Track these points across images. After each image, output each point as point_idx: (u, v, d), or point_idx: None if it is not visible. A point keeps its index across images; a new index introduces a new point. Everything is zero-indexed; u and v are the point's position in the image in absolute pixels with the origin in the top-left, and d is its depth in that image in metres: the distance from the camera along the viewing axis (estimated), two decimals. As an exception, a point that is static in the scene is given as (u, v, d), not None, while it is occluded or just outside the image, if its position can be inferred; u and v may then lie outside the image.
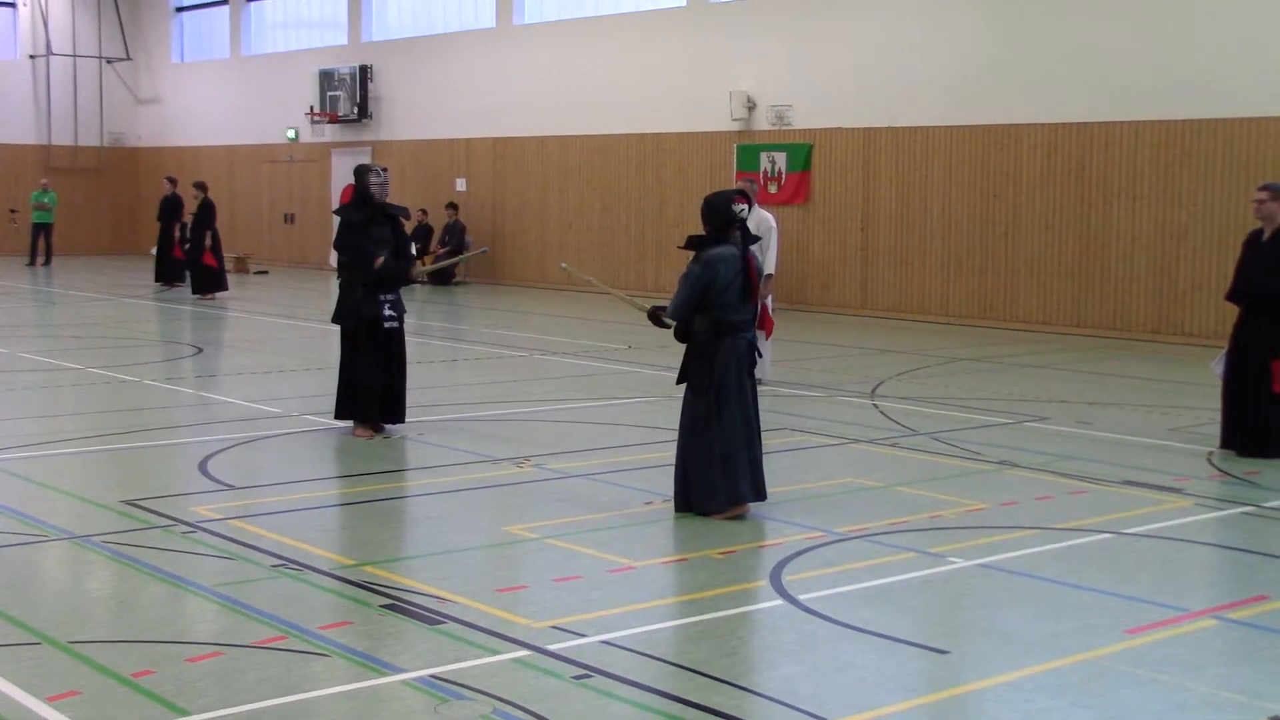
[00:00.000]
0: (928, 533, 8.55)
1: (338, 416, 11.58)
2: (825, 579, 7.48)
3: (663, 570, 7.77)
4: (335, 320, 11.67)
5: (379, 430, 11.49)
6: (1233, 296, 11.37)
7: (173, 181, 26.65)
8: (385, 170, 11.60)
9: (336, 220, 12.18)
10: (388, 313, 11.40)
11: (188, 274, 24.96)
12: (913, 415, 12.87)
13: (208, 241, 24.15)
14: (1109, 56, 19.43)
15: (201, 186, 24.84)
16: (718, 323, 8.83)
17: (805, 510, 9.09)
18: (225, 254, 25.38)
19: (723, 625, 6.71)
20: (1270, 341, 10.87)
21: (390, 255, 11.37)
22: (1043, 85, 20.09)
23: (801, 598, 7.10)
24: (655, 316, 9.27)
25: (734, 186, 14.90)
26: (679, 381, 9.17)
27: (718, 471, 8.79)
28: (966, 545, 8.21)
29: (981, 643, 6.51)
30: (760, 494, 8.96)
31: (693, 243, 9.09)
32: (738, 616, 6.87)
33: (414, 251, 12.12)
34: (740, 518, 8.82)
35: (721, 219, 8.96)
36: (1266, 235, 11.13)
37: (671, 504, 9.05)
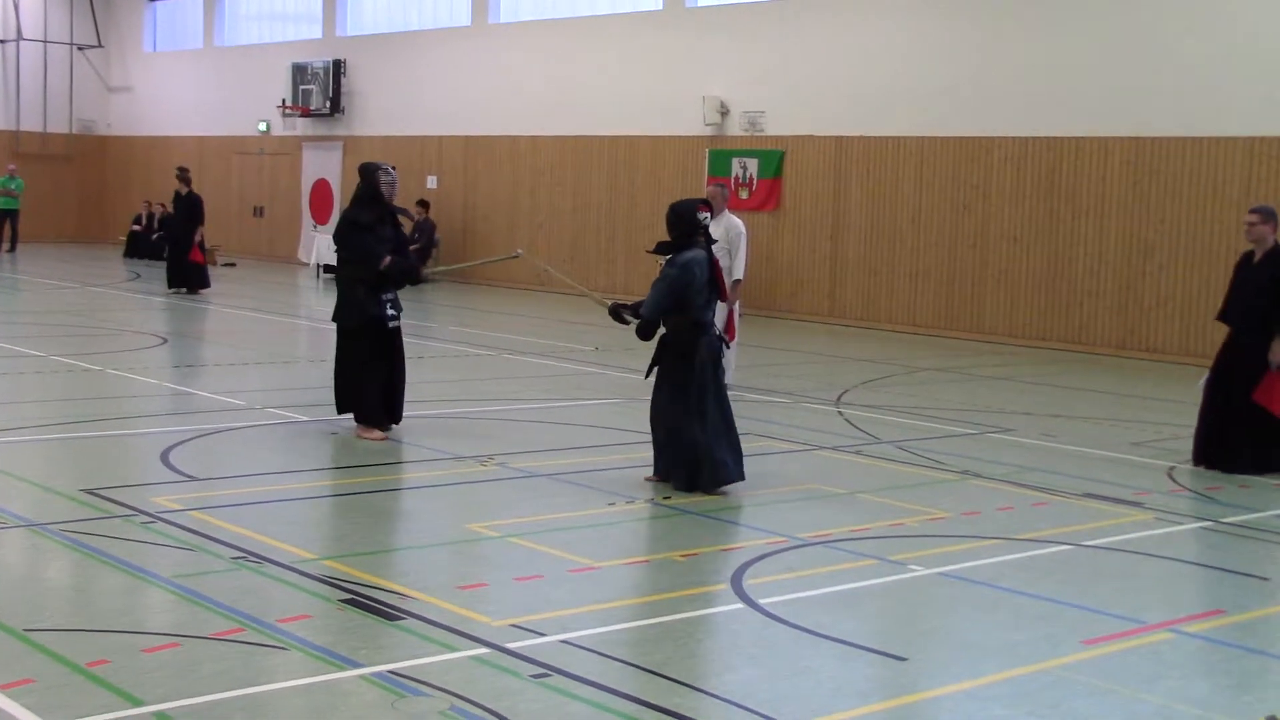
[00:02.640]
0: (889, 540, 8.57)
1: (340, 411, 11.41)
2: (786, 584, 7.49)
3: (625, 571, 7.76)
4: (337, 319, 11.46)
5: (386, 430, 11.33)
6: (1223, 317, 11.47)
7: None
8: (394, 169, 11.55)
9: (336, 216, 12.08)
10: (390, 312, 11.29)
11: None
12: (877, 423, 12.90)
13: (199, 237, 23.57)
14: (1081, 72, 19.53)
15: (184, 178, 24.06)
16: (695, 323, 9.54)
17: (768, 515, 9.10)
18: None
19: (683, 627, 6.71)
20: (1255, 361, 10.95)
21: (394, 255, 11.27)
22: (1015, 98, 20.19)
23: (762, 602, 7.10)
24: (617, 313, 9.93)
25: (704, 191, 14.92)
26: (647, 375, 9.91)
27: (691, 463, 9.52)
28: (927, 553, 8.23)
29: (940, 650, 6.53)
30: (740, 474, 9.67)
31: (662, 247, 9.77)
32: (698, 619, 6.87)
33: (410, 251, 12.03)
34: (725, 493, 9.57)
35: (688, 225, 9.65)
36: (1258, 257, 11.22)
37: (635, 503, 9.06)
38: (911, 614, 7.12)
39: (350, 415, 11.38)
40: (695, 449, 9.50)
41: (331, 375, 11.55)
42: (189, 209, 23.86)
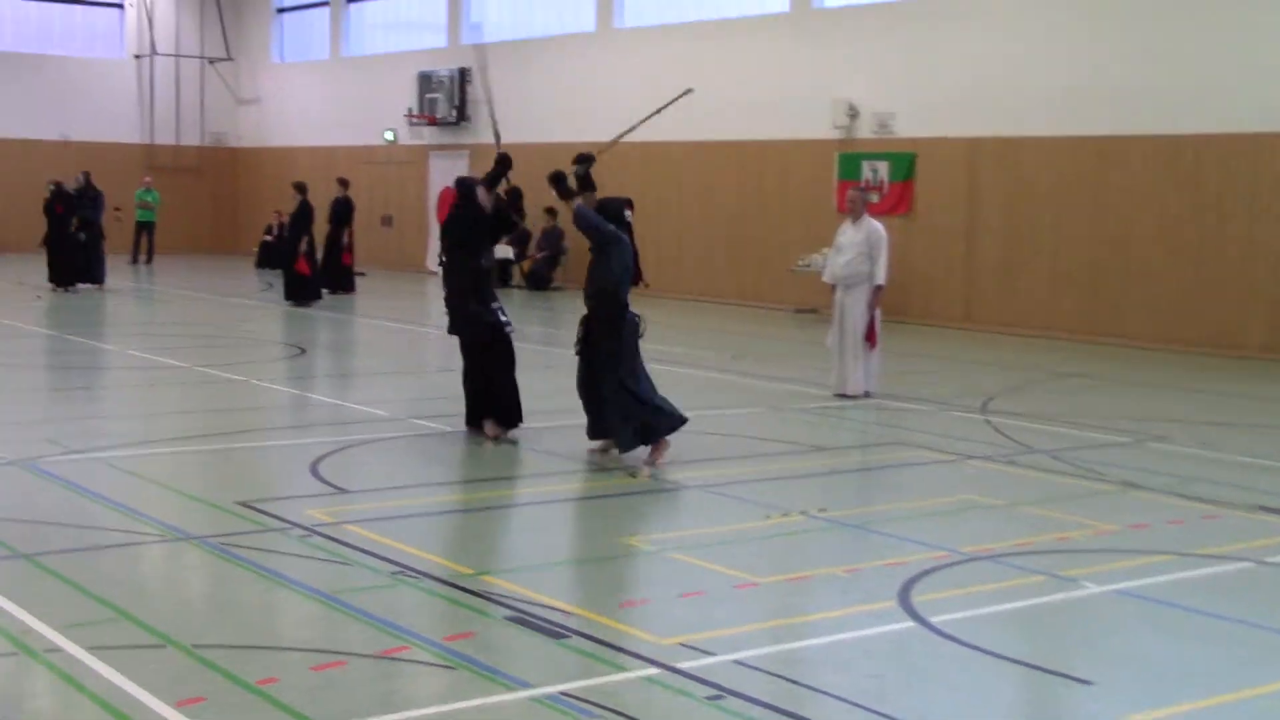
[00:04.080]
0: (1057, 555, 8.29)
1: (470, 424, 11.51)
2: (955, 601, 7.26)
3: (788, 587, 7.58)
4: (457, 331, 11.57)
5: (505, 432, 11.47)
6: None
7: (343, 183, 25.50)
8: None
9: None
10: (504, 319, 11.43)
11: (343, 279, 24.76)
12: (1027, 432, 12.57)
13: (303, 247, 23.46)
14: (1230, 66, 18.96)
15: (300, 188, 24.32)
16: (623, 304, 10.76)
17: (927, 528, 8.86)
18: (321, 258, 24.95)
19: (853, 646, 6.51)
20: None
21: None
22: (1158, 95, 19.65)
23: (933, 620, 6.88)
24: (560, 181, 11.13)
25: (860, 191, 14.86)
26: (577, 349, 11.03)
27: (653, 414, 10.62)
28: (1099, 569, 7.94)
29: (1126, 674, 6.25)
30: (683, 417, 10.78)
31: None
32: (868, 638, 6.66)
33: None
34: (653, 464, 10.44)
35: (614, 221, 10.89)
36: None
37: (790, 515, 8.89)
38: (1090, 634, 6.84)
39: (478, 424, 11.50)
40: (642, 406, 10.52)
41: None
42: (294, 221, 24.01)
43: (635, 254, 10.97)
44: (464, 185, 11.91)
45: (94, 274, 25.08)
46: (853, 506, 9.68)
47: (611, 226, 10.80)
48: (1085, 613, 7.20)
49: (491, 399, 11.48)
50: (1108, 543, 8.64)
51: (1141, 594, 7.45)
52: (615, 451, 10.72)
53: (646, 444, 10.62)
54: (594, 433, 10.91)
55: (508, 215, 11.79)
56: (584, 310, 11.09)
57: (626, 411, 10.57)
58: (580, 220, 10.84)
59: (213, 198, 38.03)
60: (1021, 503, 9.70)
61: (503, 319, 11.48)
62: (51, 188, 25.92)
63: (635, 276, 10.98)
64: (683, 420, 10.75)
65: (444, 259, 11.71)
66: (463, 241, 11.59)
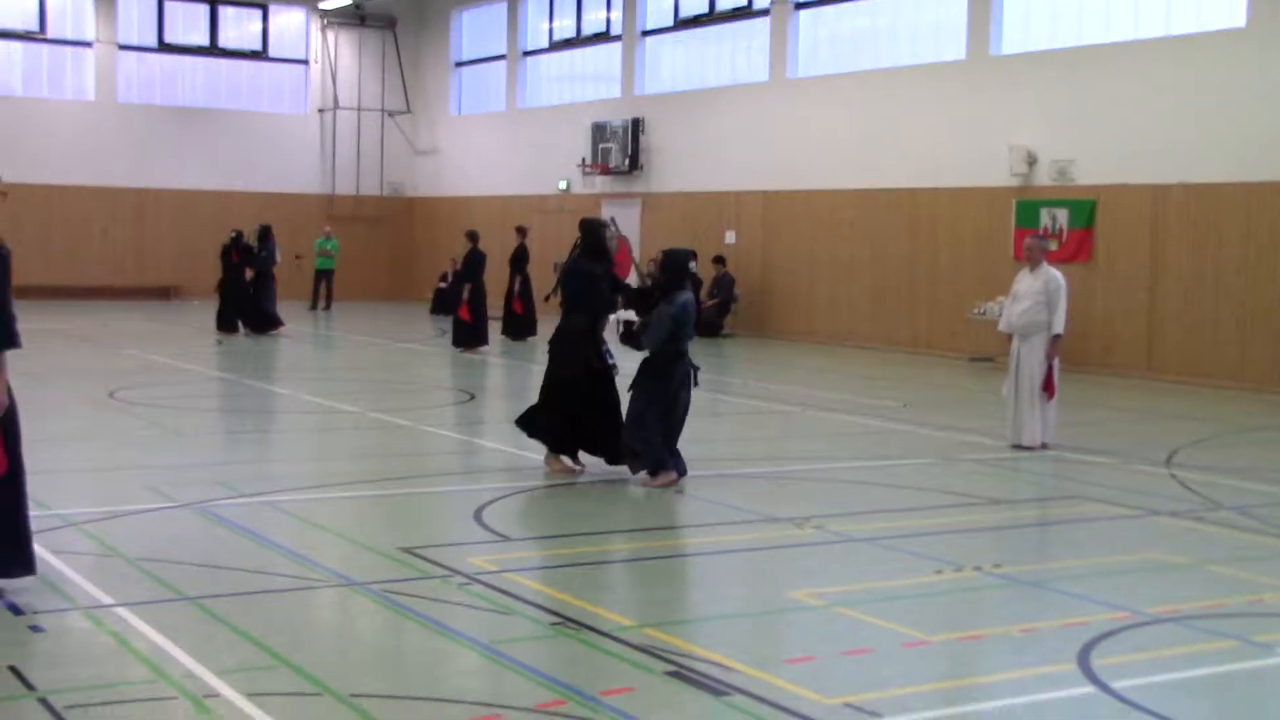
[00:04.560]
0: (1249, 619, 7.84)
1: (521, 424, 12.06)
2: (1139, 665, 6.88)
3: (959, 646, 7.26)
4: (560, 368, 11.76)
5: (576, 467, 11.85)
6: None
7: (521, 232, 25.68)
8: (615, 223, 12.28)
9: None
10: (611, 362, 11.82)
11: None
12: (1215, 487, 12.02)
13: (465, 294, 23.46)
14: None
15: (472, 236, 24.47)
16: (678, 351, 11.27)
17: (1107, 587, 8.46)
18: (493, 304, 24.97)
19: (1030, 712, 6.19)
20: None
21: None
22: (1353, 139, 18.86)
23: (1115, 685, 6.52)
24: (630, 339, 11.51)
25: (1037, 239, 14.49)
26: (630, 388, 11.40)
27: (659, 451, 11.19)
28: (1295, 635, 7.48)
29: (1328, 748, 5.84)
30: (681, 469, 11.36)
31: (649, 291, 11.61)
32: (1046, 703, 6.33)
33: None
34: (675, 485, 11.21)
35: (679, 271, 11.37)
36: None
37: (963, 571, 8.56)
38: (1287, 705, 6.43)
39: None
40: (644, 440, 11.18)
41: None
42: (466, 265, 24.12)
43: (698, 303, 11.70)
44: (593, 230, 11.98)
45: (258, 322, 25.62)
46: (1029, 563, 9.30)
47: (668, 317, 11.16)
48: (1280, 681, 6.77)
49: (597, 436, 11.70)
50: (1304, 606, 8.15)
51: (1342, 662, 6.99)
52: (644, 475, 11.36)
53: (638, 471, 11.36)
54: (632, 469, 11.48)
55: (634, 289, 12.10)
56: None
57: (635, 445, 11.28)
58: (657, 334, 11.26)
59: (390, 246, 38.76)
60: (1209, 562, 9.23)
61: (611, 362, 11.80)
62: (231, 235, 26.64)
63: (698, 326, 11.53)
64: (684, 472, 11.37)
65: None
66: (576, 298, 11.92)
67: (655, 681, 6.44)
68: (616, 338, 11.96)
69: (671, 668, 6.61)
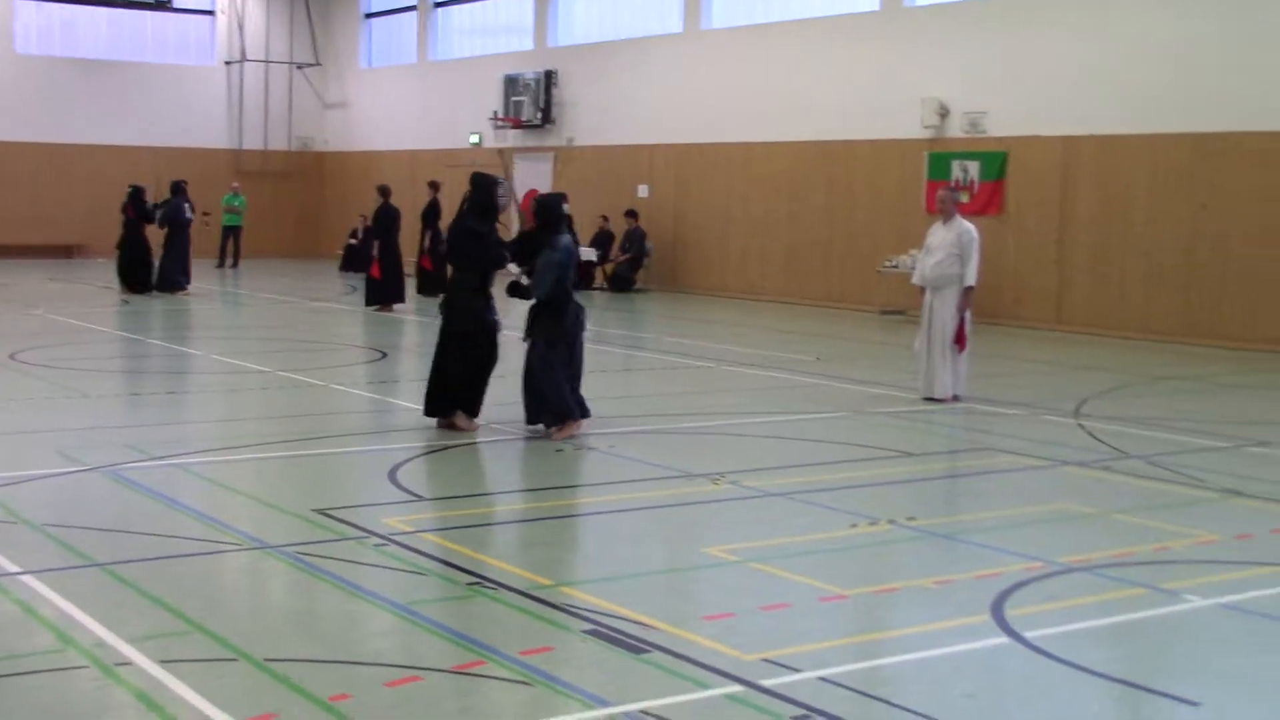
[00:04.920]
0: (1157, 566, 7.97)
1: (429, 414, 11.79)
2: (1051, 615, 6.97)
3: (875, 600, 7.32)
4: (456, 325, 11.70)
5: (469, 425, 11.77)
6: None
7: (434, 186, 25.42)
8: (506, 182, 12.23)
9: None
10: (497, 318, 11.84)
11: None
12: (1122, 437, 12.20)
13: (376, 251, 23.11)
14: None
15: (383, 191, 23.98)
16: (565, 293, 11.42)
17: (1020, 538, 8.56)
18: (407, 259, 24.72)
19: (947, 664, 6.25)
20: None
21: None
22: (1256, 92, 19.13)
23: (1028, 635, 6.60)
24: (518, 290, 11.61)
25: (950, 191, 14.52)
26: (525, 338, 11.57)
27: (567, 399, 11.39)
28: (1202, 582, 7.61)
29: (1236, 695, 5.94)
30: (586, 413, 11.60)
31: (527, 237, 11.95)
32: (962, 654, 6.39)
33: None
34: (574, 437, 11.33)
35: (554, 215, 11.53)
36: None
37: (878, 525, 8.63)
38: (1197, 652, 6.52)
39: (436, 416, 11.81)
40: (558, 392, 11.33)
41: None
42: (374, 224, 23.82)
43: (575, 242, 11.89)
44: (484, 186, 11.89)
45: (164, 282, 25.14)
46: (942, 515, 9.40)
47: (553, 263, 11.33)
48: (1189, 628, 6.88)
49: (467, 392, 11.69)
50: (1210, 553, 8.29)
51: (1249, 608, 7.12)
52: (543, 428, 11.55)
53: (550, 426, 11.48)
54: (528, 418, 11.63)
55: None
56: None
57: (547, 398, 11.41)
58: (545, 281, 11.38)
59: (299, 202, 38.30)
60: (1118, 511, 9.37)
61: (496, 318, 11.82)
62: (128, 190, 26.17)
63: (578, 267, 11.70)
64: (581, 416, 11.58)
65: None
66: (462, 256, 11.86)
67: (574, 640, 6.43)
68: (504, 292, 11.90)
69: (590, 626, 6.60)
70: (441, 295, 12.67)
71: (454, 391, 11.72)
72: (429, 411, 11.80)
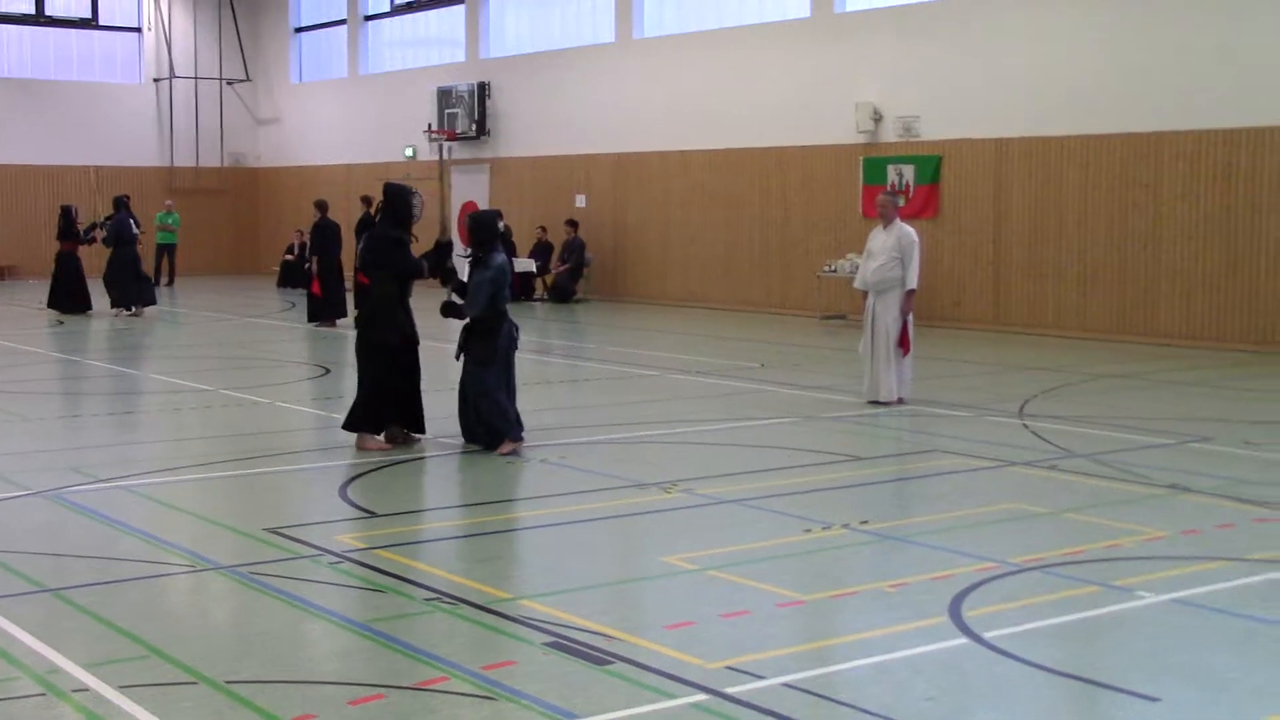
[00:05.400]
0: (1108, 563, 8.06)
1: (349, 427, 11.68)
2: (1008, 615, 7.03)
3: (833, 604, 7.36)
4: (374, 337, 11.66)
5: (396, 440, 11.67)
6: None
7: (366, 201, 25.08)
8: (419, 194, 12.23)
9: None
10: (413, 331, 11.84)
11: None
12: (1066, 435, 12.33)
13: (314, 267, 22.85)
14: (1255, 59, 18.70)
15: (320, 206, 23.76)
16: (498, 312, 11.36)
17: (972, 539, 8.63)
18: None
19: (908, 666, 6.29)
20: None
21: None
22: (1185, 90, 19.39)
23: (986, 635, 6.66)
24: (452, 310, 11.54)
25: (889, 195, 14.64)
26: (458, 356, 11.53)
27: (502, 420, 11.29)
28: (1154, 578, 7.70)
29: (1194, 690, 6.01)
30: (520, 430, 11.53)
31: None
32: (922, 656, 6.43)
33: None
34: (516, 453, 11.25)
35: (488, 233, 11.49)
36: None
37: (832, 529, 8.66)
38: (1153, 647, 6.59)
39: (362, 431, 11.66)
40: (500, 412, 11.27)
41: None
42: (314, 236, 23.46)
43: (511, 258, 11.84)
44: (399, 196, 11.85)
45: (120, 299, 24.72)
46: (894, 518, 9.46)
47: (486, 281, 11.26)
48: (1144, 624, 6.95)
49: (407, 405, 11.67)
50: (1160, 549, 8.39)
51: (1201, 603, 7.20)
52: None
53: (491, 449, 11.36)
54: (467, 436, 11.64)
55: (439, 267, 12.07)
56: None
57: (481, 416, 11.39)
58: (479, 300, 11.34)
59: (234, 218, 37.98)
60: (1067, 509, 9.47)
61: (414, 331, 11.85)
62: (60, 210, 25.90)
63: (514, 286, 11.63)
64: (520, 436, 11.49)
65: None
66: (382, 264, 11.77)
67: (536, 653, 6.42)
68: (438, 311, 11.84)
69: (551, 639, 6.59)
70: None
71: (389, 406, 11.61)
72: (353, 425, 11.64)
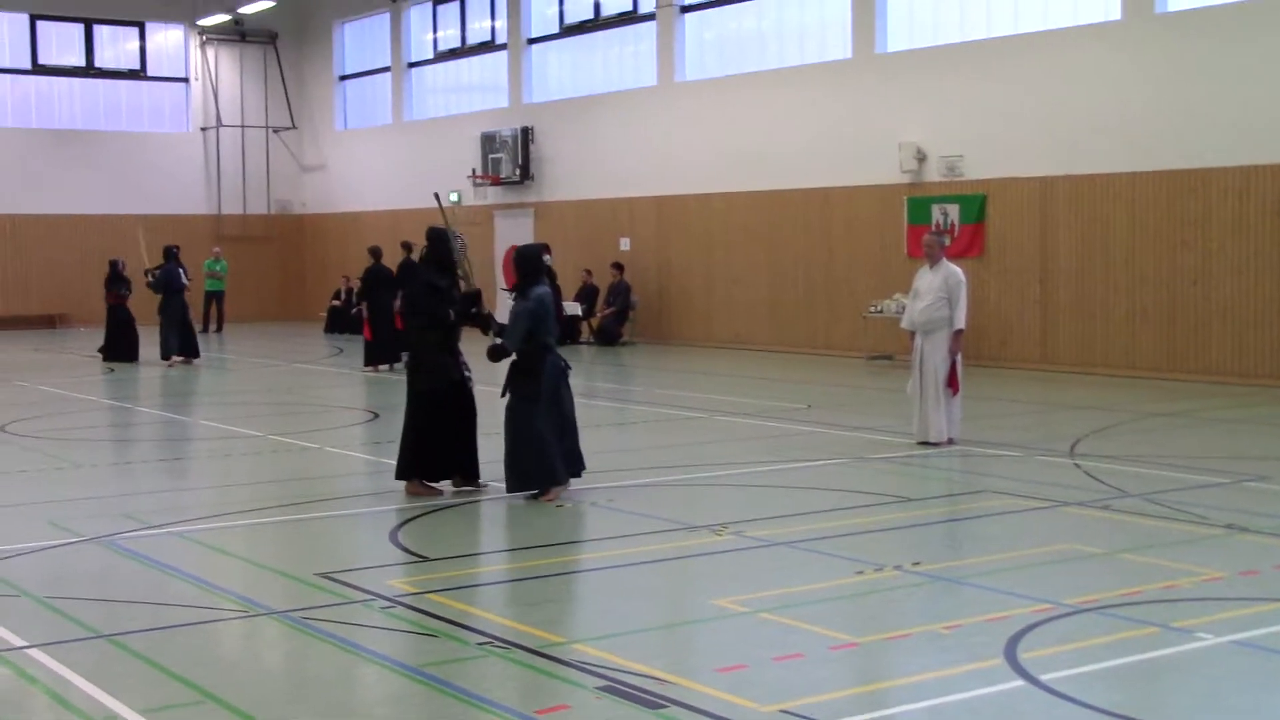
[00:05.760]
0: (1166, 605, 7.96)
1: (400, 477, 11.58)
2: (1064, 657, 6.95)
3: (887, 646, 7.29)
4: (417, 384, 11.64)
5: (438, 489, 11.59)
6: None
7: (407, 247, 25.45)
8: (462, 236, 12.36)
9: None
10: (467, 374, 11.70)
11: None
12: (1119, 475, 12.22)
13: (365, 312, 23.15)
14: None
15: (373, 253, 23.86)
16: (542, 346, 11.15)
17: (1026, 580, 8.55)
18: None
19: (964, 709, 6.22)
20: None
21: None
22: (1233, 126, 19.29)
23: (1043, 678, 6.58)
24: (497, 352, 11.41)
25: (935, 235, 14.60)
26: (503, 394, 11.32)
27: (551, 463, 11.02)
28: (1213, 619, 7.60)
29: (1256, 731, 5.93)
30: (576, 472, 11.34)
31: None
32: (978, 699, 6.36)
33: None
34: (559, 502, 11.01)
35: (533, 266, 11.37)
36: None
37: (884, 571, 8.61)
38: (1212, 689, 6.50)
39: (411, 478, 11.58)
40: (537, 457, 11.03)
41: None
42: (364, 281, 23.78)
43: (558, 294, 11.32)
44: (439, 239, 11.92)
45: (166, 349, 24.80)
46: (947, 559, 9.38)
47: (523, 313, 11.10)
48: (1204, 666, 6.86)
49: (459, 453, 11.55)
50: (1218, 590, 8.29)
51: (1261, 645, 7.10)
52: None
53: (524, 490, 11.16)
54: (510, 485, 11.28)
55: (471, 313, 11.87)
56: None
57: (520, 460, 11.14)
58: (511, 351, 11.30)
59: (280, 265, 38.32)
60: (1122, 550, 9.37)
61: (467, 374, 11.70)
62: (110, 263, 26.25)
63: (559, 318, 11.31)
64: (564, 480, 11.22)
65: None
66: (416, 311, 11.85)
67: (589, 697, 6.39)
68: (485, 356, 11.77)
69: (604, 683, 6.56)
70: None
71: (443, 454, 11.55)
72: (401, 473, 11.58)
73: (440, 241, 11.82)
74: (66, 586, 8.61)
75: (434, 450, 11.54)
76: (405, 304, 11.84)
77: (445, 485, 11.65)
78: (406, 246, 25.21)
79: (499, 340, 11.39)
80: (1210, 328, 19.69)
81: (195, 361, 24.62)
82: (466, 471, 11.66)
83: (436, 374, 11.57)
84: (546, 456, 11.06)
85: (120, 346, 25.23)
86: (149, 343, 25.11)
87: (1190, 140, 19.74)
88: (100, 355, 25.30)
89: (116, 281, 25.73)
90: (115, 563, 9.30)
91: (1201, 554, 9.22)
